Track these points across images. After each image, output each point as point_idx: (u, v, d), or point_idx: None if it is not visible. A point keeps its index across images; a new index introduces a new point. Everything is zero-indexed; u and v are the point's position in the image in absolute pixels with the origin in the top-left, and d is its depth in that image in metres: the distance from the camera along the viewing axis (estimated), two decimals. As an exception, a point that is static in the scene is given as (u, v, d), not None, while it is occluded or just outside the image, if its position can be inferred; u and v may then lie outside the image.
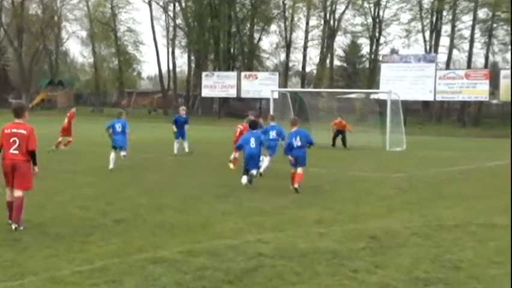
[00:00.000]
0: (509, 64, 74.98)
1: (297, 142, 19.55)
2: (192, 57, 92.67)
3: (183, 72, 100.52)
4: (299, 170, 19.33)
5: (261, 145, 20.41)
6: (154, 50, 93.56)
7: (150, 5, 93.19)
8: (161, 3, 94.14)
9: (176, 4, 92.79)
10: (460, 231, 13.22)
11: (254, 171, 19.85)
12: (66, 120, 33.37)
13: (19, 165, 12.83)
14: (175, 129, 31.66)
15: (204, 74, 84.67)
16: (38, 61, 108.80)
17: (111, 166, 23.94)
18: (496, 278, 9.70)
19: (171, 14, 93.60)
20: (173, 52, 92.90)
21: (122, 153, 24.68)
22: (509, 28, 74.15)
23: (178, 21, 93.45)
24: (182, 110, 33.08)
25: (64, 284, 9.20)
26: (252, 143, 19.94)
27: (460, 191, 19.78)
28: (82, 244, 11.59)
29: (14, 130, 12.80)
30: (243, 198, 17.44)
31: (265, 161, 22.42)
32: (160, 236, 12.37)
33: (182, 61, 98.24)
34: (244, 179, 19.50)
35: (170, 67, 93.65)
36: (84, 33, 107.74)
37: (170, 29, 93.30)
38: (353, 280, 9.44)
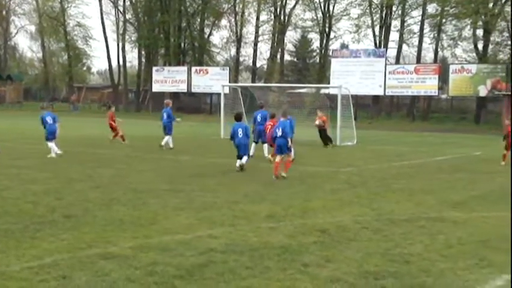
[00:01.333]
0: (459, 59, 75.76)
1: (279, 132, 21.62)
2: (143, 52, 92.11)
3: (134, 67, 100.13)
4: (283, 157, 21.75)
5: (247, 135, 23.36)
6: (104, 45, 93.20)
7: (100, 0, 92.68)
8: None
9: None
10: (409, 226, 13.35)
11: (244, 160, 22.75)
12: (108, 120, 34.77)
13: None
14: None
15: (154, 69, 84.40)
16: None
17: (58, 152, 26.11)
18: (445, 271, 9.81)
19: (121, 8, 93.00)
20: (123, 47, 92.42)
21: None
22: (458, 23, 74.89)
23: (128, 16, 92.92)
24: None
25: (13, 279, 9.10)
26: (240, 133, 22.93)
27: (409, 186, 19.94)
28: (31, 240, 11.48)
29: None
30: (194, 193, 17.40)
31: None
32: (110, 231, 12.29)
33: (132, 56, 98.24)
34: (238, 163, 22.76)
35: (121, 62, 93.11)
36: (33, 28, 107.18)
37: (120, 23, 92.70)
38: (304, 274, 9.47)
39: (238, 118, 23.80)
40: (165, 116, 32.20)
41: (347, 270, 9.73)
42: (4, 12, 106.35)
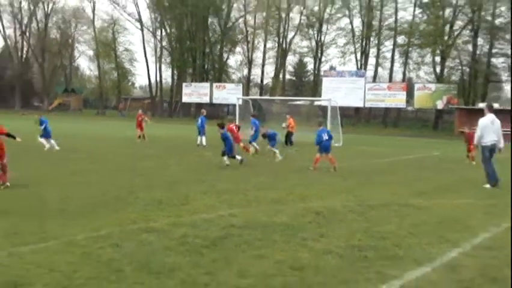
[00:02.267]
0: (422, 79, 75.73)
1: (325, 136, 21.99)
2: (175, 71, 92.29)
3: (168, 83, 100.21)
4: (329, 155, 22.15)
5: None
6: (145, 66, 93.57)
7: (142, 31, 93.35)
8: (150, 30, 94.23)
9: (163, 30, 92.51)
10: (385, 210, 13.25)
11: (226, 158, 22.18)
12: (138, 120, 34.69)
13: None
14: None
15: (184, 84, 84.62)
16: (56, 73, 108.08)
17: (57, 148, 26.10)
18: (412, 245, 9.72)
19: (158, 37, 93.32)
20: (160, 67, 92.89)
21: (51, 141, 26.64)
22: (421, 51, 74.96)
23: (164, 43, 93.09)
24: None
25: (78, 246, 9.10)
26: (229, 137, 22.70)
27: (386, 179, 19.84)
28: (89, 216, 11.45)
29: None
30: (215, 181, 17.34)
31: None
32: (150, 210, 12.23)
33: (167, 74, 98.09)
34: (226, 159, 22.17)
35: (158, 79, 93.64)
36: (91, 52, 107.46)
37: (158, 49, 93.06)
38: (303, 247, 9.39)
39: (221, 125, 23.16)
40: (199, 121, 32.19)
41: (337, 244, 9.65)
42: (70, 41, 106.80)
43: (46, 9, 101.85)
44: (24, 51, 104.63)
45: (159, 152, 27.32)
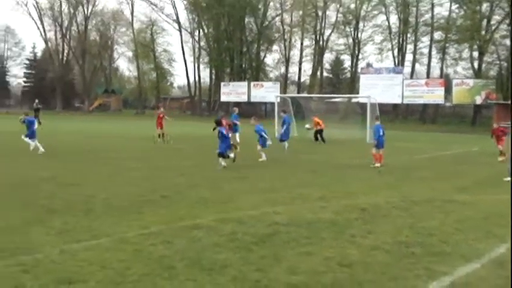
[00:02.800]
0: (459, 75, 74.80)
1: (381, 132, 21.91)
2: (213, 71, 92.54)
3: (206, 82, 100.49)
4: (381, 151, 21.89)
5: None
6: (183, 66, 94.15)
7: (180, 32, 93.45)
8: (188, 30, 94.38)
9: (200, 30, 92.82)
10: (429, 205, 13.15)
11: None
12: (158, 118, 33.45)
13: None
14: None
15: (222, 83, 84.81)
16: (96, 75, 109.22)
17: (42, 150, 24.49)
18: (459, 241, 9.64)
19: (196, 38, 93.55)
20: (198, 67, 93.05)
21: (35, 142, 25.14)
22: (459, 47, 73.97)
23: (202, 43, 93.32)
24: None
25: (129, 243, 9.21)
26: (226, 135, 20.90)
27: (425, 174, 19.66)
28: (138, 214, 11.57)
29: None
30: (256, 179, 17.37)
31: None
32: (196, 208, 12.33)
33: (205, 74, 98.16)
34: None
35: (196, 78, 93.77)
36: (130, 54, 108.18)
37: (196, 49, 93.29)
38: (352, 243, 9.37)
39: (219, 123, 21.55)
40: (232, 119, 32.36)
41: (384, 240, 9.60)
42: (109, 42, 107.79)
43: (86, 12, 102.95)
44: (65, 54, 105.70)
45: (199, 151, 27.43)
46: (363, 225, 10.77)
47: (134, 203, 12.78)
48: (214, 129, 23.31)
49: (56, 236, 9.77)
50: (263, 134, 23.54)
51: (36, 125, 26.03)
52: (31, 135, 25.30)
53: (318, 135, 34.07)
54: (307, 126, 34.52)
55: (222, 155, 20.44)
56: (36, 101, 54.30)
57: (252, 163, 22.12)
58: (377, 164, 21.46)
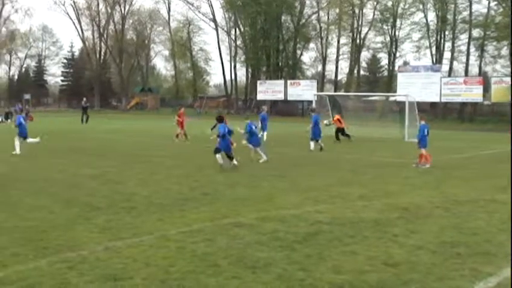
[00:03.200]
0: (498, 73, 73.79)
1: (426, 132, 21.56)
2: (249, 70, 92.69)
3: (242, 81, 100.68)
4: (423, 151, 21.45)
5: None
6: (220, 64, 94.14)
7: (217, 30, 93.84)
8: (225, 29, 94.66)
9: (237, 29, 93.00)
10: (471, 205, 12.95)
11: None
12: (177, 118, 33.08)
13: None
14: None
15: (258, 82, 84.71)
16: (133, 73, 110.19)
17: (19, 152, 23.22)
18: (503, 242, 9.48)
19: (233, 37, 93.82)
20: (234, 66, 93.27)
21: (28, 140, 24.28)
22: (497, 44, 72.95)
23: (238, 42, 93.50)
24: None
25: (172, 241, 9.30)
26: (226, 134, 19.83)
27: (465, 174, 19.36)
28: (180, 211, 11.65)
29: None
30: (295, 178, 17.32)
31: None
32: (237, 205, 12.37)
33: (241, 72, 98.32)
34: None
35: (233, 77, 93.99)
36: (167, 52, 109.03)
37: (232, 48, 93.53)
38: (395, 242, 9.30)
39: (220, 120, 20.60)
40: (261, 117, 32.64)
41: (428, 240, 9.50)
42: (146, 41, 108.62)
43: (123, 11, 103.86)
44: (102, 53, 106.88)
45: (237, 149, 27.38)
46: (405, 224, 10.66)
47: (176, 201, 12.88)
48: (214, 126, 23.08)
49: (99, 233, 9.89)
50: (253, 129, 22.83)
51: (23, 122, 24.72)
52: (25, 134, 24.18)
53: (340, 134, 33.59)
54: (325, 122, 34.15)
55: (219, 151, 19.54)
56: (84, 99, 54.94)
57: (289, 161, 22.07)
58: (427, 165, 21.14)
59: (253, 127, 22.91)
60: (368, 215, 11.43)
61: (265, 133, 31.87)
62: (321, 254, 8.50)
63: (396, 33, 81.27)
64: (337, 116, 34.73)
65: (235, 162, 19.61)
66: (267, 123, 32.81)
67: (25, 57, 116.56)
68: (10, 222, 10.77)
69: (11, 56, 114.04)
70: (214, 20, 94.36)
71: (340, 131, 33.65)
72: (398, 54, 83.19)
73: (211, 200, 13.04)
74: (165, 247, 8.93)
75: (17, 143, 23.70)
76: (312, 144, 26.62)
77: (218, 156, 19.46)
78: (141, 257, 8.37)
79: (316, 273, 7.62)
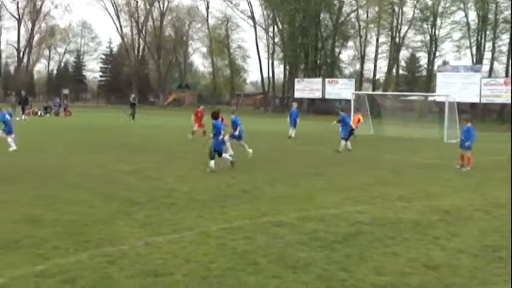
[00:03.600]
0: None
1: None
2: (287, 67, 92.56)
3: (279, 78, 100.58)
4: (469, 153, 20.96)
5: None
6: (257, 62, 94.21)
7: (255, 28, 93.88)
8: (263, 26, 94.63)
9: (275, 26, 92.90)
10: (513, 208, 12.76)
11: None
12: (197, 116, 32.08)
13: None
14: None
15: (296, 80, 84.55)
16: (171, 70, 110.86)
17: (14, 147, 22.51)
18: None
19: (271, 34, 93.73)
20: (272, 63, 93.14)
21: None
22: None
23: (276, 39, 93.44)
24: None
25: (212, 237, 9.36)
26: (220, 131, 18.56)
27: (506, 176, 18.97)
28: (220, 208, 11.70)
29: None
30: (334, 177, 17.24)
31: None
32: (277, 204, 12.36)
33: (279, 70, 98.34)
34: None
35: (270, 75, 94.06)
36: (205, 49, 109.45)
37: (270, 45, 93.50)
38: (436, 245, 9.21)
39: (215, 116, 18.89)
40: (292, 114, 33.01)
41: (470, 243, 9.38)
42: (184, 38, 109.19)
43: (162, 8, 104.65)
44: (141, 49, 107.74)
45: (274, 147, 27.40)
46: (446, 227, 10.55)
47: (216, 197, 12.94)
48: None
49: (139, 228, 9.99)
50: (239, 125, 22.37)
51: (9, 118, 23.82)
52: (8, 130, 23.25)
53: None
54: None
55: (218, 153, 18.30)
56: (133, 95, 55.49)
57: (324, 160, 21.96)
58: (468, 167, 20.85)
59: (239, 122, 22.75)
60: (408, 216, 11.33)
61: (293, 129, 32.14)
62: (361, 255, 8.46)
63: (436, 32, 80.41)
64: (358, 116, 34.33)
65: (227, 156, 18.81)
66: (298, 120, 32.96)
67: (64, 53, 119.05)
68: (50, 215, 10.93)
69: (50, 51, 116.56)
70: (252, 17, 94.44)
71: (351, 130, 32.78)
72: (437, 54, 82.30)
73: (251, 198, 13.06)
74: (205, 243, 8.98)
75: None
76: (344, 143, 26.39)
77: (212, 162, 17.82)
78: (181, 253, 8.44)
79: (358, 274, 7.59)
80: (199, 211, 11.36)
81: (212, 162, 17.78)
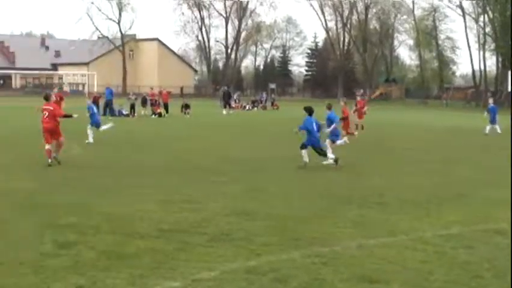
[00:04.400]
0: None
1: None
2: (499, 59, 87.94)
3: (492, 71, 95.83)
4: None
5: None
6: (467, 53, 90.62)
7: (464, 17, 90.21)
8: (472, 16, 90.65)
9: (485, 15, 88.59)
10: None
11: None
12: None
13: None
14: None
15: (510, 72, 79.87)
16: (377, 63, 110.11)
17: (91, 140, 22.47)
18: None
19: (481, 24, 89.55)
20: (483, 55, 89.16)
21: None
22: None
23: (487, 29, 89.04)
24: None
25: (430, 244, 8.80)
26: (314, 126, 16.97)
27: None
28: (436, 212, 11.04)
29: (45, 107, 16.51)
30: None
31: None
32: (496, 210, 11.24)
33: (491, 62, 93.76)
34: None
35: (481, 67, 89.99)
36: (411, 42, 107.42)
37: (481, 36, 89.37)
38: None
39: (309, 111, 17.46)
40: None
41: None
42: (390, 31, 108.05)
43: (366, 0, 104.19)
44: (346, 43, 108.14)
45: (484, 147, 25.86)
46: None
47: (430, 199, 12.25)
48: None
49: (351, 228, 9.72)
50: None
51: (96, 111, 23.99)
52: (95, 122, 23.37)
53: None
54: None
55: (305, 146, 16.92)
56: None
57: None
58: None
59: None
60: None
61: (494, 126, 30.50)
62: None
63: None
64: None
65: (330, 160, 17.09)
66: (496, 117, 30.92)
67: (270, 48, 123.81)
68: (260, 209, 11.01)
69: (256, 47, 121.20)
70: (461, 7, 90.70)
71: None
72: None
73: (467, 201, 12.20)
74: (422, 250, 8.46)
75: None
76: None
77: (304, 152, 16.91)
78: (397, 259, 8.02)
79: None
80: (412, 213, 10.81)
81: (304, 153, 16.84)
